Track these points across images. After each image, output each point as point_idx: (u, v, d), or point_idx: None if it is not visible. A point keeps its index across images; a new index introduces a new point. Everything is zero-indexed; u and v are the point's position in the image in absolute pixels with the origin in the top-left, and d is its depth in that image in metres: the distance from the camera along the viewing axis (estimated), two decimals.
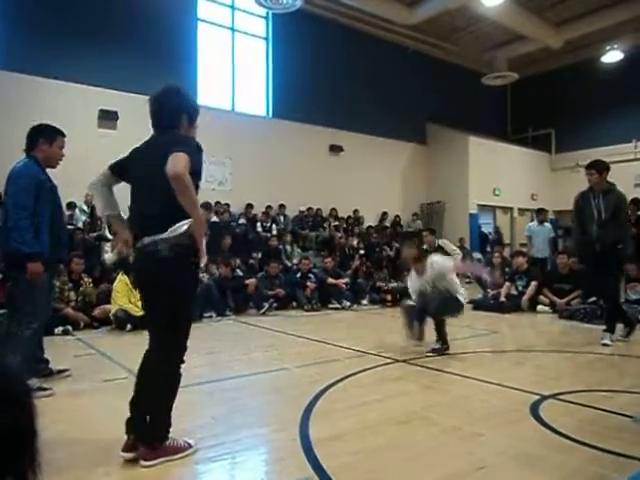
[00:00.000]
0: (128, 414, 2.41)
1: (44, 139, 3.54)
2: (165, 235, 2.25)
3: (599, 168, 5.31)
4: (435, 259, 4.97)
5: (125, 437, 2.38)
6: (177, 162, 2.15)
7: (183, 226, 2.24)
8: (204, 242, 2.54)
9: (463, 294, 4.99)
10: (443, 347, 4.83)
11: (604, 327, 5.36)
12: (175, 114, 2.46)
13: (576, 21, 13.98)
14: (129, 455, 2.36)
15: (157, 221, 2.28)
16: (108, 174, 2.59)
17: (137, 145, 2.56)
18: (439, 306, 4.78)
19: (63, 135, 3.65)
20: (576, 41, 14.80)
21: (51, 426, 2.76)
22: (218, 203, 11.21)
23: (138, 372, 2.47)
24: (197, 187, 2.30)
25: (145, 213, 2.39)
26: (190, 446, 2.46)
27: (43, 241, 3.47)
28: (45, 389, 3.48)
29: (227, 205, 11.35)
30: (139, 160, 2.48)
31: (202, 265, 2.58)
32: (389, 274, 10.04)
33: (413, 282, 5.07)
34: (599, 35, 14.11)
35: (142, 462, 2.32)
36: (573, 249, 6.43)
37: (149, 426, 2.37)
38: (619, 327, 5.40)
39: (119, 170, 2.60)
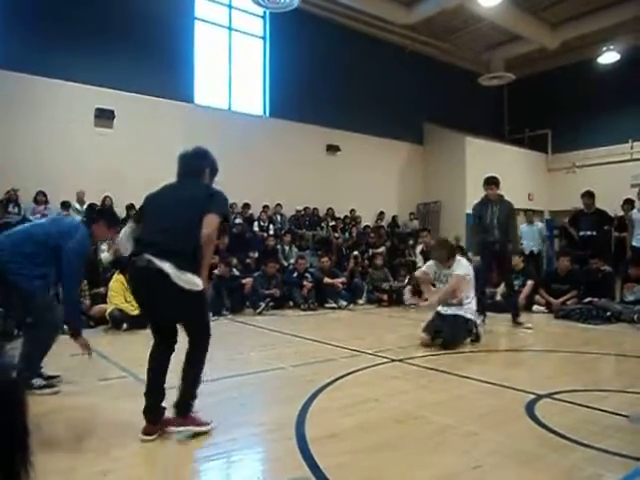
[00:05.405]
0: (144, 404, 2.65)
1: (105, 222, 3.72)
2: (179, 275, 2.53)
3: (497, 183, 6.45)
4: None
5: (144, 423, 2.61)
6: (212, 224, 2.62)
7: (197, 285, 2.56)
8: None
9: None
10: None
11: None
12: (200, 170, 2.93)
13: (573, 22, 14.01)
14: (148, 438, 2.59)
15: (171, 243, 2.60)
16: (134, 227, 2.96)
17: (166, 183, 2.93)
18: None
19: (118, 231, 3.93)
20: (573, 42, 14.82)
21: (47, 426, 2.75)
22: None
23: (156, 365, 2.72)
24: (224, 229, 2.66)
25: (164, 231, 2.67)
26: (208, 424, 2.71)
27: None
28: (52, 386, 3.48)
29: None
30: (168, 194, 2.86)
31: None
32: (387, 274, 10.03)
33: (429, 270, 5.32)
34: (596, 36, 14.13)
35: (172, 428, 2.64)
36: (475, 247, 6.89)
37: (182, 400, 2.69)
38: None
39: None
